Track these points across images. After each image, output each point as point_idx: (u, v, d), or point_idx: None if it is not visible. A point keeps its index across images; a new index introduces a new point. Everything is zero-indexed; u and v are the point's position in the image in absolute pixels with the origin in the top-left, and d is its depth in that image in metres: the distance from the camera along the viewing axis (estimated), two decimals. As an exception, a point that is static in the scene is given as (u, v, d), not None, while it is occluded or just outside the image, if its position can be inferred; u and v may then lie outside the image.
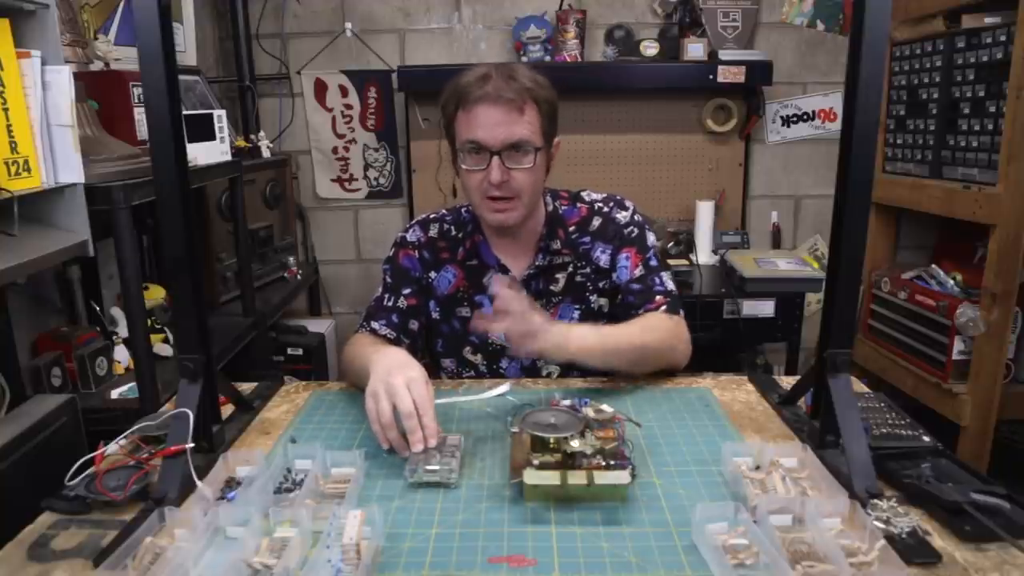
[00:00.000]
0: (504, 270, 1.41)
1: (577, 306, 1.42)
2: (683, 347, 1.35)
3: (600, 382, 1.33)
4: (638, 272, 1.40)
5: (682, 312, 1.39)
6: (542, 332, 1.14)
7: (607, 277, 1.43)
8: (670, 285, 1.41)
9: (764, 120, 2.92)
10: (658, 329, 1.31)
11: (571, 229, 1.43)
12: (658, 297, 1.37)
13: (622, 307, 1.40)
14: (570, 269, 1.42)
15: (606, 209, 1.44)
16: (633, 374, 1.31)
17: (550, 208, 1.43)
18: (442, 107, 1.33)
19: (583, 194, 1.47)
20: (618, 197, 1.46)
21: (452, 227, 1.45)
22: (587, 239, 1.42)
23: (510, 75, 1.26)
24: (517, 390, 1.28)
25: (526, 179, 1.29)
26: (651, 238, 1.45)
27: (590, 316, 1.43)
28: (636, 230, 1.43)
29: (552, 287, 1.42)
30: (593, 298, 1.43)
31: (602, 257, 1.42)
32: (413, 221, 1.50)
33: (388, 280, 1.44)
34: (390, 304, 1.41)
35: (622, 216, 1.43)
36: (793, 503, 0.85)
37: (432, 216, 1.49)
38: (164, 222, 0.99)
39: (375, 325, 1.39)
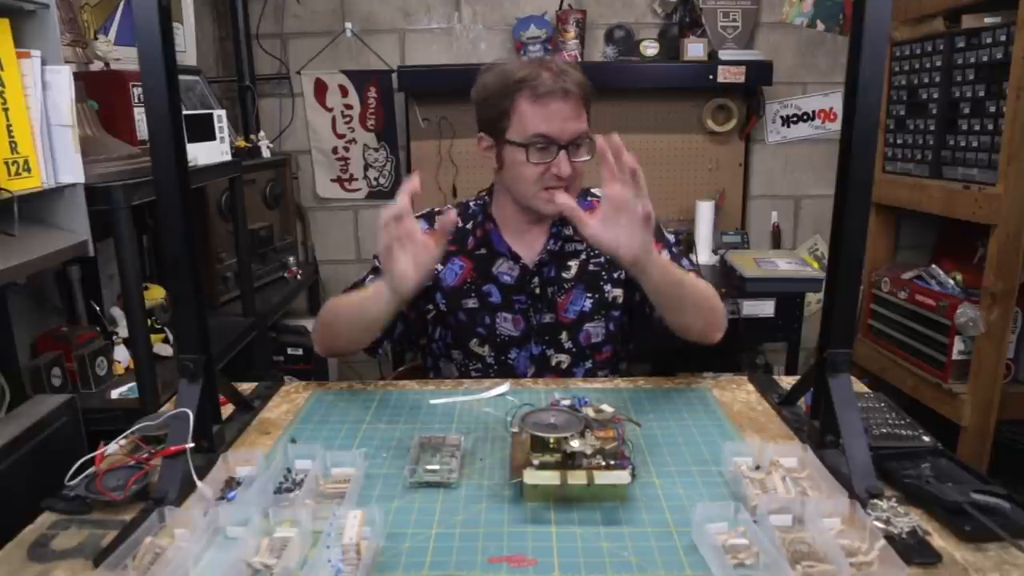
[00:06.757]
0: (515, 258, 1.40)
1: (590, 294, 1.41)
2: (721, 308, 1.32)
3: (600, 382, 1.34)
4: (664, 255, 1.35)
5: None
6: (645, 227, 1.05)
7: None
8: (697, 265, 1.36)
9: (764, 120, 2.92)
10: (702, 284, 1.30)
11: None
12: (691, 272, 1.33)
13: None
14: (583, 256, 1.41)
15: None
16: (676, 315, 1.25)
17: None
18: (485, 99, 1.33)
19: (594, 190, 1.45)
20: None
21: (459, 219, 1.43)
22: None
23: (562, 69, 1.30)
24: (517, 390, 1.28)
25: (581, 170, 1.33)
26: (668, 236, 1.44)
27: (603, 306, 1.42)
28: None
29: (564, 274, 1.40)
30: (607, 287, 1.42)
31: None
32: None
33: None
34: None
35: None
36: (793, 503, 0.85)
37: (438, 209, 1.46)
38: (164, 222, 0.99)
39: None
